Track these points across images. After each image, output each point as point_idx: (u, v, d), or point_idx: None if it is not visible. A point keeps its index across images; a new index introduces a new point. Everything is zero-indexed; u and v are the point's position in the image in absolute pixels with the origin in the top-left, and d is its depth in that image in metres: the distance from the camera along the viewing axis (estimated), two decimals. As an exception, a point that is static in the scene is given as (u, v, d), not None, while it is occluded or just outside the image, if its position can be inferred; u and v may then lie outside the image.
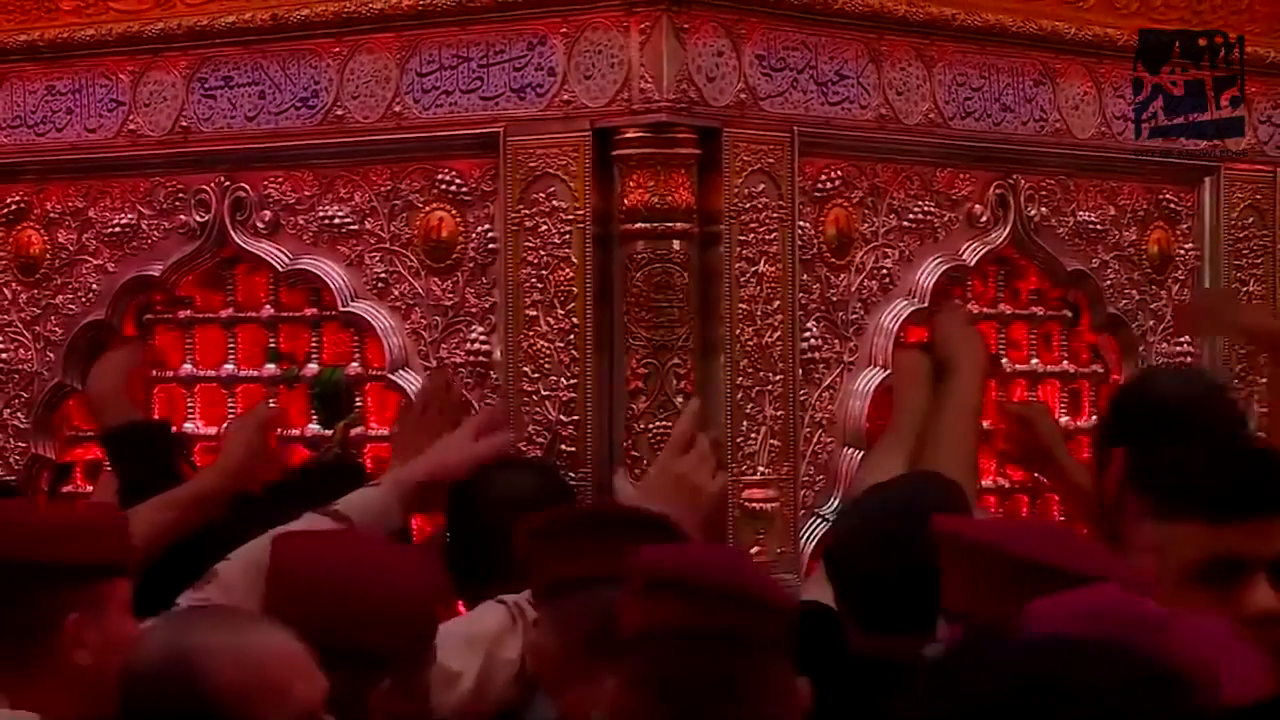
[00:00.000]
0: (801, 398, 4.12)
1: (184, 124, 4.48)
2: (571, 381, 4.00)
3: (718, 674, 2.67)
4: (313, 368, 4.41)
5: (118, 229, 4.57)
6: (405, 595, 2.88)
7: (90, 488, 4.61)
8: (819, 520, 4.12)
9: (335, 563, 2.86)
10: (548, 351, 4.03)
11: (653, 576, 2.74)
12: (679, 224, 3.96)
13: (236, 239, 4.42)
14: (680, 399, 3.95)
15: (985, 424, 4.43)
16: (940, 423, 4.22)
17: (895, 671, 2.49)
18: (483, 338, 4.13)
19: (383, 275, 4.27)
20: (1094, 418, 4.59)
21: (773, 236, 4.07)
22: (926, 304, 4.33)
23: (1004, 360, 4.57)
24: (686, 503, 3.82)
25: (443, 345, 4.18)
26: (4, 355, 4.70)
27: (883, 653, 3.21)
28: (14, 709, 3.06)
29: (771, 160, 4.07)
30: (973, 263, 4.45)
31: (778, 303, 4.08)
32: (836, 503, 4.12)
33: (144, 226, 4.55)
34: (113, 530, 3.26)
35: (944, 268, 4.37)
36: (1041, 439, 4.38)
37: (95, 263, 4.60)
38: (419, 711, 2.87)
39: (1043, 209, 4.55)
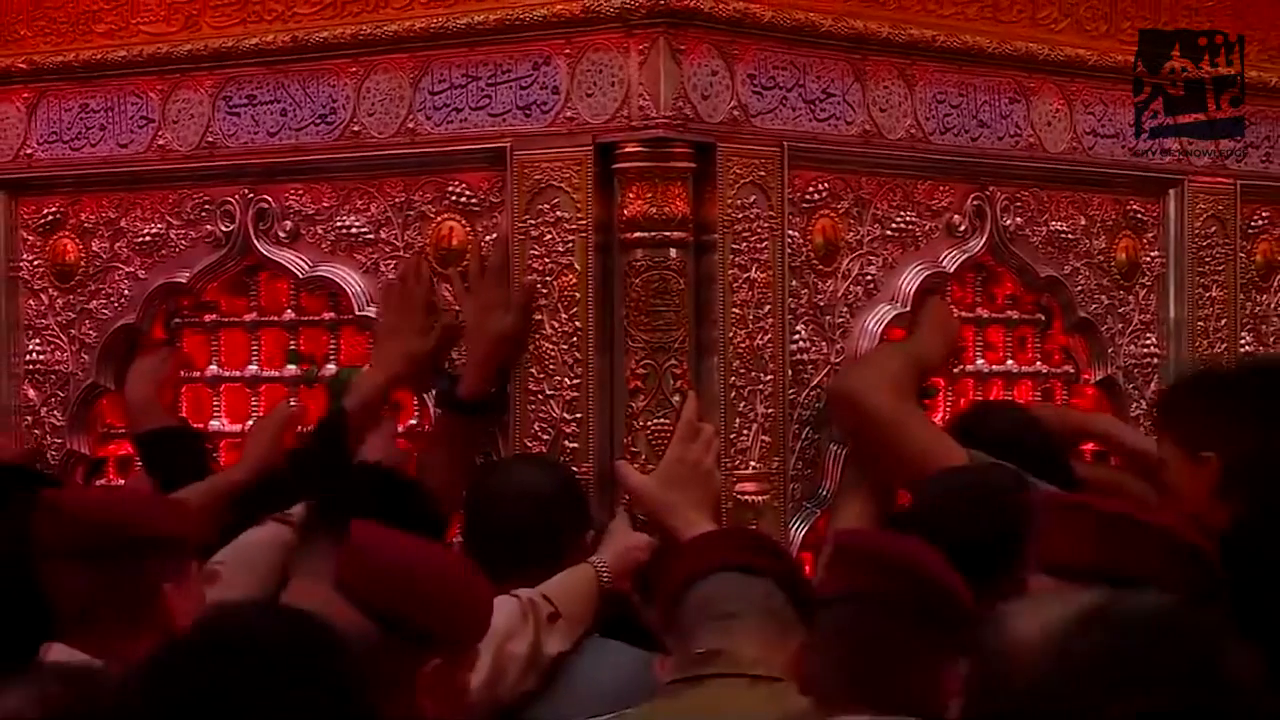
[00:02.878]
0: (790, 396, 4.12)
1: (210, 139, 4.48)
2: (575, 381, 4.00)
3: (891, 638, 2.81)
4: (331, 368, 4.40)
5: (148, 238, 4.57)
6: (466, 582, 2.86)
7: (121, 481, 4.60)
8: (807, 510, 4.12)
9: (407, 545, 2.84)
10: (552, 353, 4.02)
11: (845, 549, 2.92)
12: (675, 233, 3.96)
13: (259, 247, 4.42)
14: (677, 398, 3.95)
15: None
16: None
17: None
18: (491, 340, 4.12)
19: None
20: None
21: (764, 245, 4.06)
22: (908, 308, 4.33)
23: (980, 361, 4.57)
24: (700, 486, 3.85)
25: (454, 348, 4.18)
26: (41, 357, 4.70)
27: None
28: None
29: (762, 173, 4.07)
30: (952, 270, 4.44)
31: (768, 307, 4.07)
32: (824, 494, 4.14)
33: (172, 236, 4.55)
34: (191, 512, 3.37)
35: (925, 274, 4.37)
36: (1070, 416, 4.40)
37: (127, 270, 4.60)
38: (460, 694, 2.85)
39: (1017, 219, 4.55)
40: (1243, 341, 4.95)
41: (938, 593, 2.86)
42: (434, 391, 4.17)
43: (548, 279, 4.02)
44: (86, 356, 4.64)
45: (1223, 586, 2.76)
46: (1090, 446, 4.59)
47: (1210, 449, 3.50)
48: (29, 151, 4.71)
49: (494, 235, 4.11)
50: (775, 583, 3.27)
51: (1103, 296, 4.72)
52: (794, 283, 4.14)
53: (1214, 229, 4.89)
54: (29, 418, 4.70)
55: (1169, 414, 3.73)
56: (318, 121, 4.33)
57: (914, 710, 2.78)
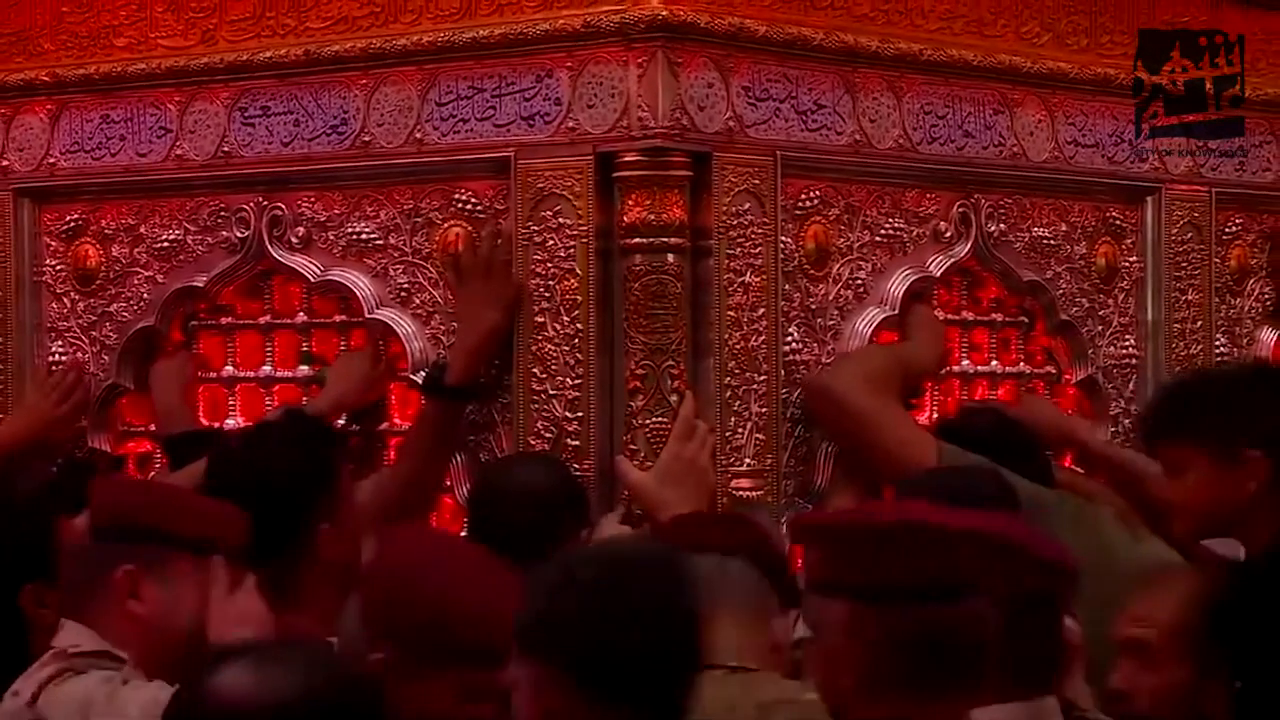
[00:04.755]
0: (784, 396, 4.12)
1: (226, 149, 4.47)
2: (576, 382, 4.00)
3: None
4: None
5: (166, 244, 4.57)
6: (500, 591, 2.80)
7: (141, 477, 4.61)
8: (800, 506, 4.12)
9: (428, 568, 2.80)
10: (554, 354, 4.02)
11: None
12: (673, 239, 3.95)
13: (273, 253, 4.42)
14: (674, 398, 3.94)
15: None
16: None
17: None
18: (496, 342, 4.12)
19: (405, 285, 4.27)
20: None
21: (758, 250, 4.06)
22: (897, 311, 4.33)
23: (965, 362, 4.57)
24: (695, 482, 3.84)
25: (460, 349, 4.18)
26: (64, 358, 4.69)
27: None
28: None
29: (757, 181, 4.07)
30: (938, 274, 4.44)
31: (762, 310, 4.07)
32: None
33: (189, 241, 4.54)
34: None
35: (912, 278, 4.37)
36: (1051, 424, 4.35)
37: (146, 274, 4.60)
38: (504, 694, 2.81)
39: (1001, 225, 4.55)
40: (1218, 343, 4.95)
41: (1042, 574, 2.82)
42: (421, 378, 4.16)
43: (550, 283, 4.02)
44: (107, 358, 4.64)
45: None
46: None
47: (1256, 446, 3.34)
48: (52, 161, 4.71)
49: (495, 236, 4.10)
50: (749, 560, 3.22)
51: (1083, 300, 4.72)
52: (787, 287, 4.14)
53: (1190, 235, 4.89)
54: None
55: (1187, 419, 3.46)
56: (329, 132, 4.33)
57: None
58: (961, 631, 2.49)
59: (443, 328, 4.21)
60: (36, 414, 4.59)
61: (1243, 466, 3.34)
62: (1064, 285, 4.68)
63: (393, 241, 4.28)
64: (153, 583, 3.17)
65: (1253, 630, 3.00)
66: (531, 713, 2.37)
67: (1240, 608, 3.03)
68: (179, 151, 4.53)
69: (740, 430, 4.03)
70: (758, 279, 4.06)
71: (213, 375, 4.58)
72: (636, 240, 3.95)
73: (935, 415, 4.45)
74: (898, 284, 4.34)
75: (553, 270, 4.02)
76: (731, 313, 4.02)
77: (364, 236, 4.31)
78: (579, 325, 3.99)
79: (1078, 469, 4.49)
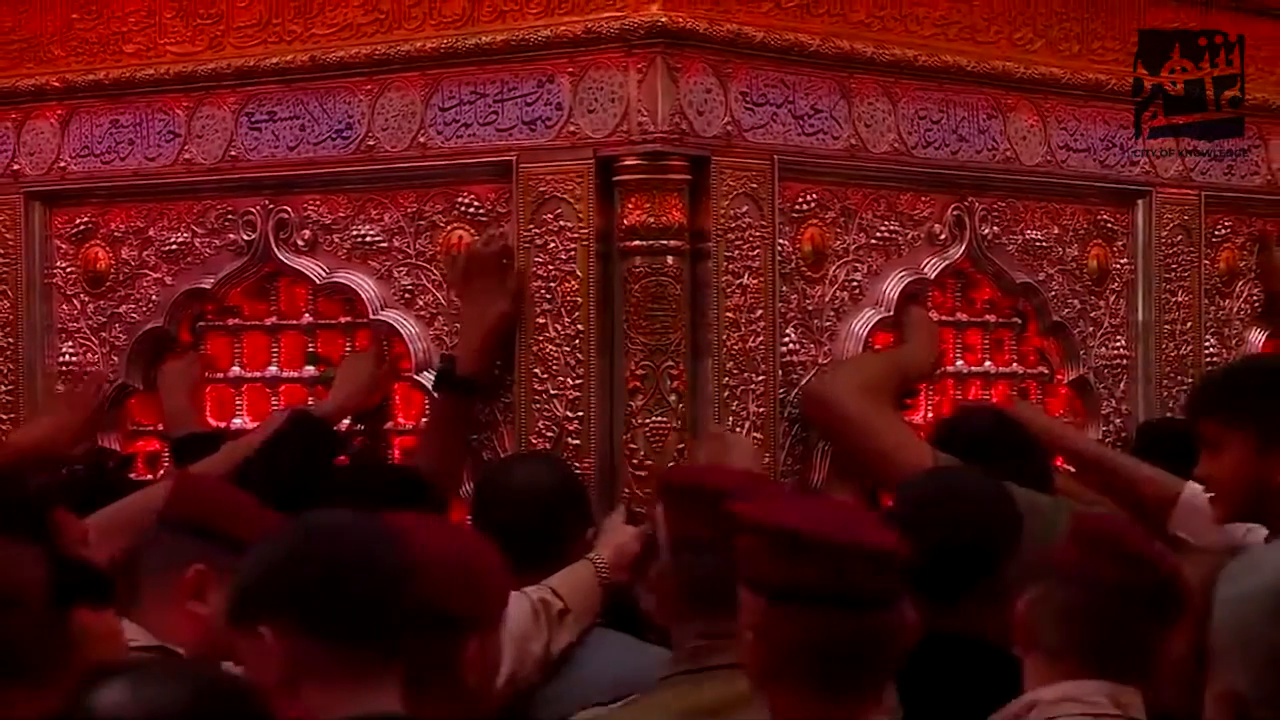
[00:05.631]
0: (781, 396, 4.12)
1: (233, 153, 4.48)
2: (577, 381, 4.00)
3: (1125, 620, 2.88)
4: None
5: (174, 246, 4.57)
6: (486, 559, 2.83)
7: (150, 475, 4.60)
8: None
9: (421, 532, 2.82)
10: (556, 355, 4.02)
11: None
12: (672, 241, 3.96)
13: (279, 255, 4.42)
14: (673, 397, 3.94)
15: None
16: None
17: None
18: (498, 342, 4.12)
19: (409, 287, 4.27)
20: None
21: (755, 252, 4.06)
22: (892, 312, 4.33)
23: (959, 362, 4.57)
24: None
25: (463, 349, 4.18)
26: (74, 358, 4.70)
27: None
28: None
29: (754, 185, 4.07)
30: (933, 276, 4.44)
31: (760, 311, 4.07)
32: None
33: (197, 244, 4.55)
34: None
35: (907, 280, 4.37)
36: (1041, 430, 4.33)
37: (154, 276, 4.60)
38: (496, 665, 2.83)
39: (994, 228, 4.55)
40: (1207, 344, 4.96)
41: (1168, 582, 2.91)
42: (434, 374, 4.16)
43: (551, 285, 4.02)
44: (116, 358, 4.64)
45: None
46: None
47: None
48: (62, 165, 4.71)
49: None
50: None
51: (1075, 301, 4.72)
52: (784, 288, 4.14)
53: (1180, 238, 4.89)
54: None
55: (1232, 399, 3.49)
56: (334, 136, 4.33)
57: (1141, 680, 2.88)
58: (869, 640, 2.60)
59: (446, 329, 4.22)
60: (56, 423, 4.57)
61: (1276, 455, 3.36)
62: (1056, 287, 4.68)
63: (397, 244, 4.28)
64: (218, 588, 3.10)
65: None
66: (280, 669, 2.52)
67: None
68: (187, 156, 4.53)
69: (738, 429, 4.02)
70: (755, 281, 4.06)
71: (220, 375, 4.58)
72: (636, 243, 3.95)
73: (930, 415, 4.45)
74: (893, 286, 4.34)
75: (554, 272, 4.02)
76: (730, 314, 4.02)
77: (368, 239, 4.31)
78: (580, 326, 3.99)
79: (1069, 469, 4.49)
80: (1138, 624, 2.88)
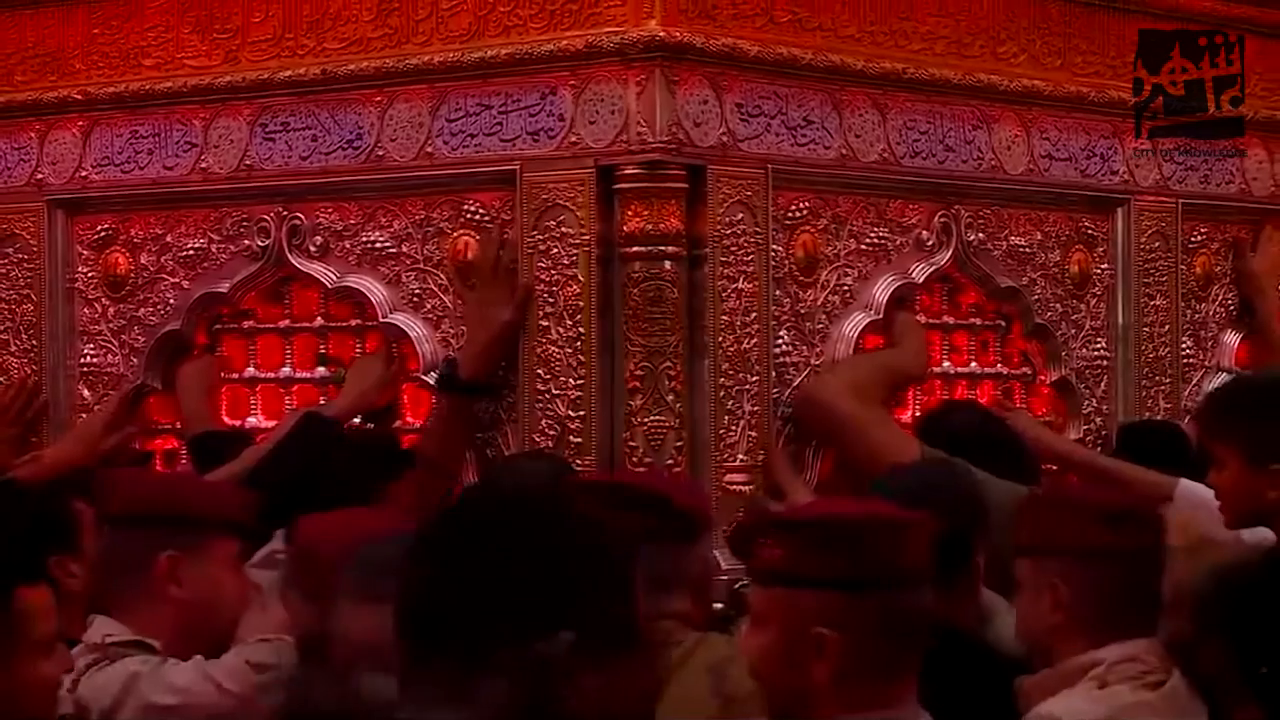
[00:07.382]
0: (775, 396, 4.13)
1: (248, 163, 4.49)
2: (578, 382, 4.01)
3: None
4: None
5: (191, 252, 4.59)
6: None
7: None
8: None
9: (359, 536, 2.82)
10: (558, 356, 4.04)
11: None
12: (670, 247, 3.97)
13: (292, 260, 4.44)
14: (671, 397, 3.96)
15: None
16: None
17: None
18: (502, 344, 4.14)
19: (417, 291, 4.28)
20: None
21: (750, 258, 4.08)
22: (881, 316, 4.34)
23: (946, 363, 4.59)
24: None
25: (469, 351, 4.19)
26: (95, 360, 4.71)
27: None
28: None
29: (749, 193, 4.08)
30: (920, 280, 4.46)
31: (754, 314, 4.09)
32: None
33: (214, 250, 4.56)
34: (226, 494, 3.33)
35: (896, 285, 4.38)
36: (1026, 433, 4.33)
37: (172, 281, 4.62)
38: None
39: (980, 234, 4.57)
40: (1184, 346, 4.97)
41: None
42: (436, 376, 4.18)
43: (554, 289, 4.04)
44: (135, 360, 4.66)
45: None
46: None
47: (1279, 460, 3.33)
48: (84, 174, 4.73)
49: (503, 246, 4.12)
50: None
51: (1057, 305, 4.73)
52: (777, 292, 4.15)
53: (1158, 244, 4.91)
54: (84, 415, 4.72)
55: (1225, 421, 3.46)
56: (345, 146, 4.35)
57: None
58: (918, 615, 2.56)
59: (452, 331, 4.23)
60: (86, 443, 4.57)
61: (1267, 475, 3.34)
62: (1039, 291, 4.69)
63: (405, 250, 4.30)
64: (192, 567, 3.13)
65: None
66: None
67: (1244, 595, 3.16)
68: (204, 165, 4.55)
69: (733, 428, 4.04)
70: (750, 285, 4.07)
71: (235, 376, 4.60)
72: (635, 248, 3.96)
73: (918, 414, 4.46)
74: (882, 290, 4.35)
75: (556, 277, 4.04)
76: (725, 317, 4.03)
77: (378, 245, 4.33)
78: (581, 329, 4.01)
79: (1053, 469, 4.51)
80: (1155, 580, 3.05)
